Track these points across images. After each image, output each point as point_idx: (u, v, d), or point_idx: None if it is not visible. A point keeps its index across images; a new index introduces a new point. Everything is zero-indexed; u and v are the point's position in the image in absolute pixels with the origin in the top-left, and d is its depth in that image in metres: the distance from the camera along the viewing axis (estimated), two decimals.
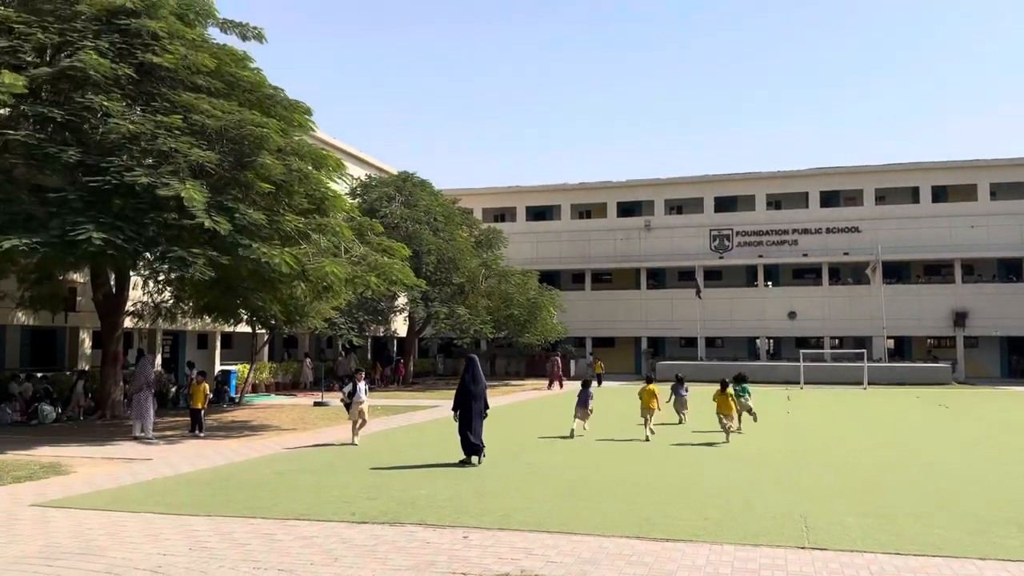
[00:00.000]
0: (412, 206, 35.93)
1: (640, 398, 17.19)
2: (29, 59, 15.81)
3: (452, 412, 13.28)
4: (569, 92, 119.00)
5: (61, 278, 20.01)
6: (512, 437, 16.71)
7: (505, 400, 28.38)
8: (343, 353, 37.74)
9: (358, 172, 39.96)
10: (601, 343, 49.10)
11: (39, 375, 21.27)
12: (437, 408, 23.36)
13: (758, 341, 48.03)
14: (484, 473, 11.84)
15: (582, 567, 6.74)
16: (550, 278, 47.59)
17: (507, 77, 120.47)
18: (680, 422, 19.43)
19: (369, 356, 41.32)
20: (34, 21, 16.10)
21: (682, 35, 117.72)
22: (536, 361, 45.15)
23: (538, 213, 53.32)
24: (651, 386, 17.26)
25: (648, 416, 16.87)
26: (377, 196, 35.70)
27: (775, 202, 49.20)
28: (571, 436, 16.53)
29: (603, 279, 51.40)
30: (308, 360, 34.56)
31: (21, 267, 17.41)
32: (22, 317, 21.18)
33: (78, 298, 21.92)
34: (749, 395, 18.08)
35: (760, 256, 47.24)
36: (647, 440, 16.05)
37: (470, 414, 12.94)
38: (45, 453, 13.90)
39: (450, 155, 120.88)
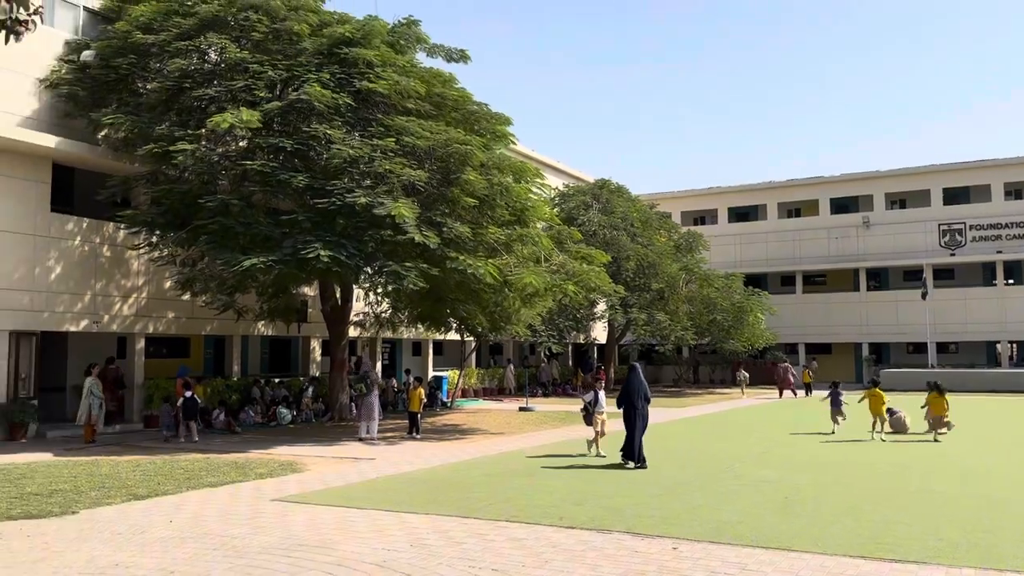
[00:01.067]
0: (609, 213, 35.90)
1: (867, 403, 17.93)
2: (262, 95, 17.51)
3: (583, 407, 15.04)
4: (769, 87, 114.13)
5: (294, 292, 22.02)
6: (722, 447, 16.25)
7: (711, 408, 27.62)
8: (545, 360, 38.44)
9: (556, 182, 40.55)
10: (816, 349, 46.15)
11: (277, 381, 23.56)
12: None
13: (998, 346, 43.24)
14: (693, 484, 11.57)
15: None
16: (756, 281, 45.48)
17: (700, 76, 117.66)
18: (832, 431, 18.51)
19: (570, 363, 41.75)
20: (265, 60, 17.89)
21: (901, 21, 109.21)
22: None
23: (741, 214, 51.29)
24: (878, 390, 17.92)
25: (879, 421, 17.62)
26: (575, 205, 36.00)
27: (1015, 191, 44.09)
28: (832, 432, 18.17)
29: (815, 281, 48.46)
30: (511, 366, 35.57)
31: (260, 283, 19.33)
32: (261, 328, 23.51)
33: (309, 310, 23.94)
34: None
35: (999, 251, 42.52)
36: (881, 440, 17.15)
37: (632, 421, 13.25)
38: (283, 452, 15.32)
39: (647, 160, 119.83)
